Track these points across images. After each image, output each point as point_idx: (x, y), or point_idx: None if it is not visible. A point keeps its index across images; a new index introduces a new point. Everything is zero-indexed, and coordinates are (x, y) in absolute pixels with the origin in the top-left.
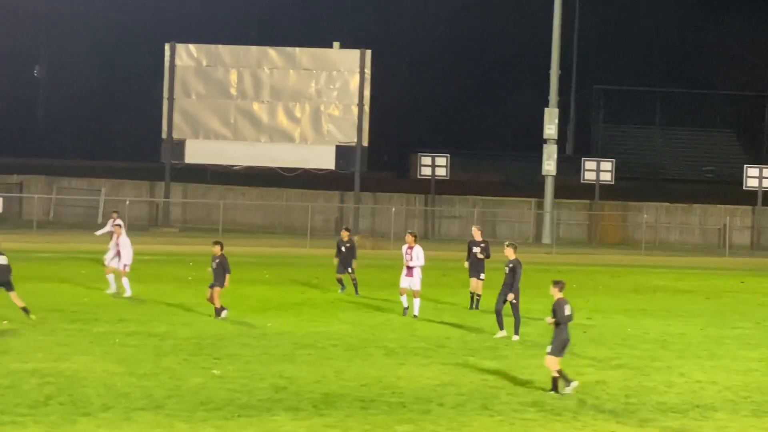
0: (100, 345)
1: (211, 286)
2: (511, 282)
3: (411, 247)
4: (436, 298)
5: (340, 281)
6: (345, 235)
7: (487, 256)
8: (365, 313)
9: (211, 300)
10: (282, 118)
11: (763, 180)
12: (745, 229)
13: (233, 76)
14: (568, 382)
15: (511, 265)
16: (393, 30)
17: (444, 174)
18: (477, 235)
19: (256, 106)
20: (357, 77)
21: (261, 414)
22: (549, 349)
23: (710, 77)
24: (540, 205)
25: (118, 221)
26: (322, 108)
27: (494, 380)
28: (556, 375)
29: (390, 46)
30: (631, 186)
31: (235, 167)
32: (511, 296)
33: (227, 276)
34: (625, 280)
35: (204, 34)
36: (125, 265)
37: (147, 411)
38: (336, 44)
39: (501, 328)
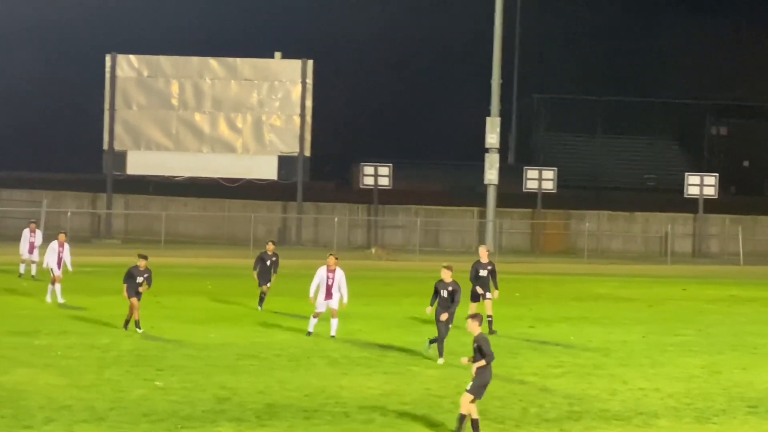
0: (42, 357)
1: (139, 298)
2: (449, 305)
3: (332, 270)
4: (379, 308)
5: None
6: (270, 247)
7: (494, 278)
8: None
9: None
10: (224, 129)
11: (704, 188)
12: (686, 236)
13: (174, 87)
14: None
15: (450, 289)
16: (334, 40)
17: (387, 184)
18: (484, 256)
19: (197, 117)
20: (299, 87)
21: (204, 425)
22: (469, 386)
23: (651, 86)
24: (482, 214)
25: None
26: (264, 118)
27: (437, 389)
28: (476, 418)
29: (331, 56)
30: (573, 194)
31: (177, 178)
32: (444, 316)
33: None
34: (568, 288)
35: (145, 45)
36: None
37: (89, 423)
38: (277, 54)
39: (441, 355)
